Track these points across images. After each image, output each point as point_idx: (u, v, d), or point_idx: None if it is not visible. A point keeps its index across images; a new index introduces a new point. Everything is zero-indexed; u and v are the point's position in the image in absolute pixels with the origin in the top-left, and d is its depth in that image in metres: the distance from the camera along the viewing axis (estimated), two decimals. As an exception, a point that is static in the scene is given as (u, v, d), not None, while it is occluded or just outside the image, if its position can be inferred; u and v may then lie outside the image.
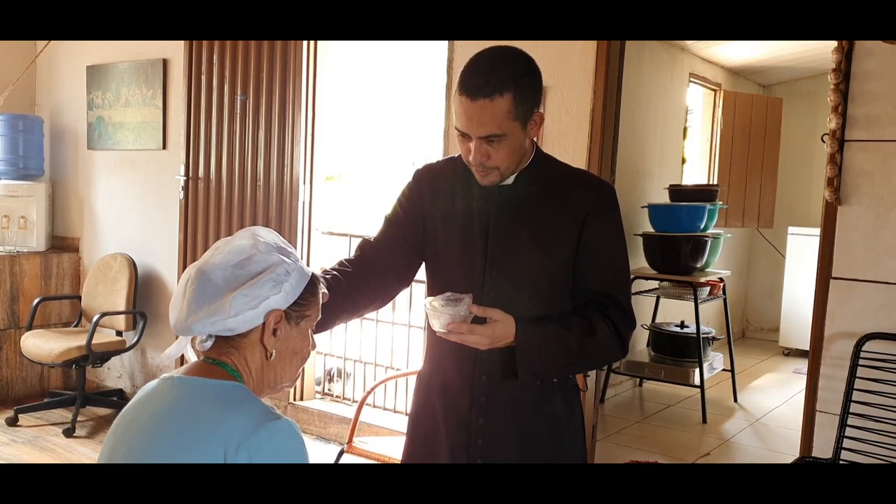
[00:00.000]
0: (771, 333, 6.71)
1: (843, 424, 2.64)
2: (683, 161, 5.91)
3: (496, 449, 1.76)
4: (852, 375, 2.66)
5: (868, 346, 2.66)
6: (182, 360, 1.48)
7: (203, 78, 4.33)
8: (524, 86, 1.62)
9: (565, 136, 3.30)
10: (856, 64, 2.75)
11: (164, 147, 4.60)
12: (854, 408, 2.64)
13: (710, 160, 6.27)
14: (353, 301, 1.78)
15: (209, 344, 1.38)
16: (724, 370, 4.99)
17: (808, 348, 6.06)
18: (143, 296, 4.64)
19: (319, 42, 4.10)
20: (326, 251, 4.30)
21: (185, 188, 4.43)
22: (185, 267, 4.44)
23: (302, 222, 4.16)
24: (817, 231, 6.20)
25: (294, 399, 4.25)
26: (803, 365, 5.89)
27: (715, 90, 6.15)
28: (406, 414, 3.95)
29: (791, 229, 6.33)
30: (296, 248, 4.12)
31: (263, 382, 1.41)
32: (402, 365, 4.09)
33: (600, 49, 3.27)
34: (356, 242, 4.37)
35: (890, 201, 2.69)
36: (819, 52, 5.60)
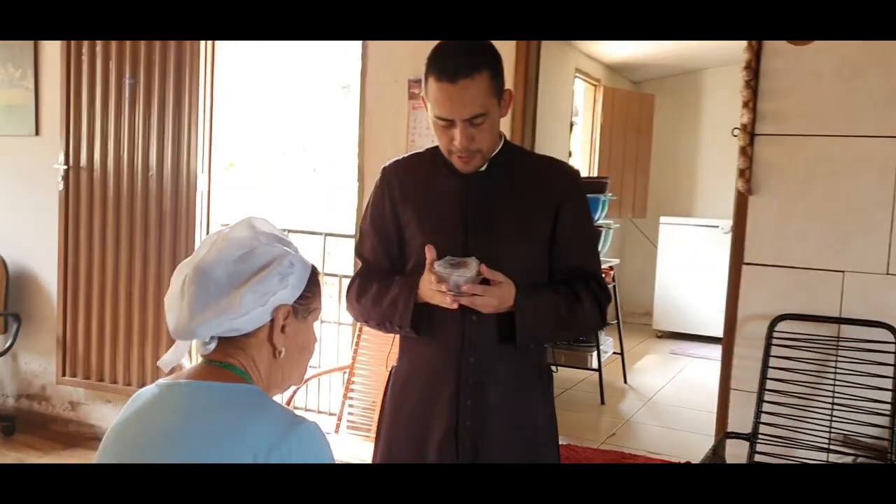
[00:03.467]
0: (645, 318, 7.07)
1: (760, 400, 2.82)
2: (570, 154, 6.11)
3: (483, 427, 1.78)
4: (767, 354, 2.84)
5: (780, 326, 2.85)
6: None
7: (84, 59, 4.00)
8: (498, 61, 1.72)
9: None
10: (764, 62, 2.91)
11: (38, 133, 4.21)
12: (769, 384, 2.83)
13: (590, 153, 6.51)
14: None
15: (213, 346, 1.28)
16: (614, 353, 5.22)
17: (680, 330, 6.47)
18: (16, 296, 4.24)
19: (218, 24, 3.90)
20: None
21: (66, 178, 4.07)
22: (66, 264, 4.11)
23: (200, 214, 3.94)
24: (685, 220, 6.65)
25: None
26: (678, 346, 6.29)
27: (595, 85, 6.39)
28: (331, 414, 3.85)
29: (662, 219, 6.70)
30: (194, 240, 3.92)
31: (272, 382, 1.33)
32: (328, 363, 3.97)
33: (519, 48, 3.35)
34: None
35: (796, 191, 2.89)
36: (686, 51, 5.95)
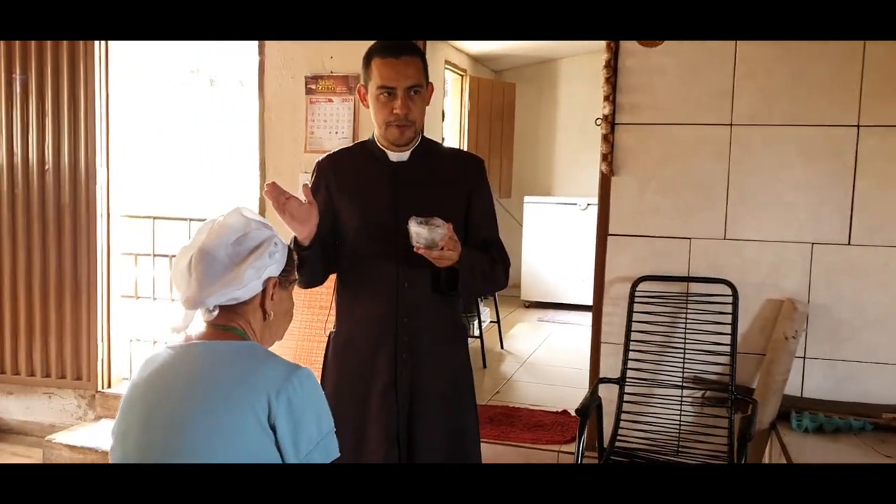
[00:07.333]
0: (514, 290, 7.63)
1: (626, 349, 3.33)
2: (442, 140, 6.52)
3: (417, 376, 2.16)
4: (630, 311, 3.36)
5: (640, 286, 3.38)
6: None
7: (-31, 53, 3.99)
8: (424, 56, 2.14)
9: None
10: (621, 62, 3.41)
11: (-83, 128, 4.13)
12: (633, 336, 3.35)
13: (460, 138, 6.96)
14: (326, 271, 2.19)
15: (216, 313, 1.57)
16: (491, 321, 5.71)
17: (545, 300, 7.05)
18: None
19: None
20: (128, 235, 4.21)
21: (-46, 174, 4.04)
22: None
23: (101, 206, 4.04)
24: (546, 199, 7.24)
25: (103, 387, 4.13)
26: (544, 314, 6.89)
27: (462, 75, 6.83)
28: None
29: (526, 199, 7.26)
30: (96, 233, 4.02)
31: (263, 339, 1.64)
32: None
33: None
34: (161, 225, 4.33)
35: (649, 172, 3.41)
36: (542, 43, 6.50)
